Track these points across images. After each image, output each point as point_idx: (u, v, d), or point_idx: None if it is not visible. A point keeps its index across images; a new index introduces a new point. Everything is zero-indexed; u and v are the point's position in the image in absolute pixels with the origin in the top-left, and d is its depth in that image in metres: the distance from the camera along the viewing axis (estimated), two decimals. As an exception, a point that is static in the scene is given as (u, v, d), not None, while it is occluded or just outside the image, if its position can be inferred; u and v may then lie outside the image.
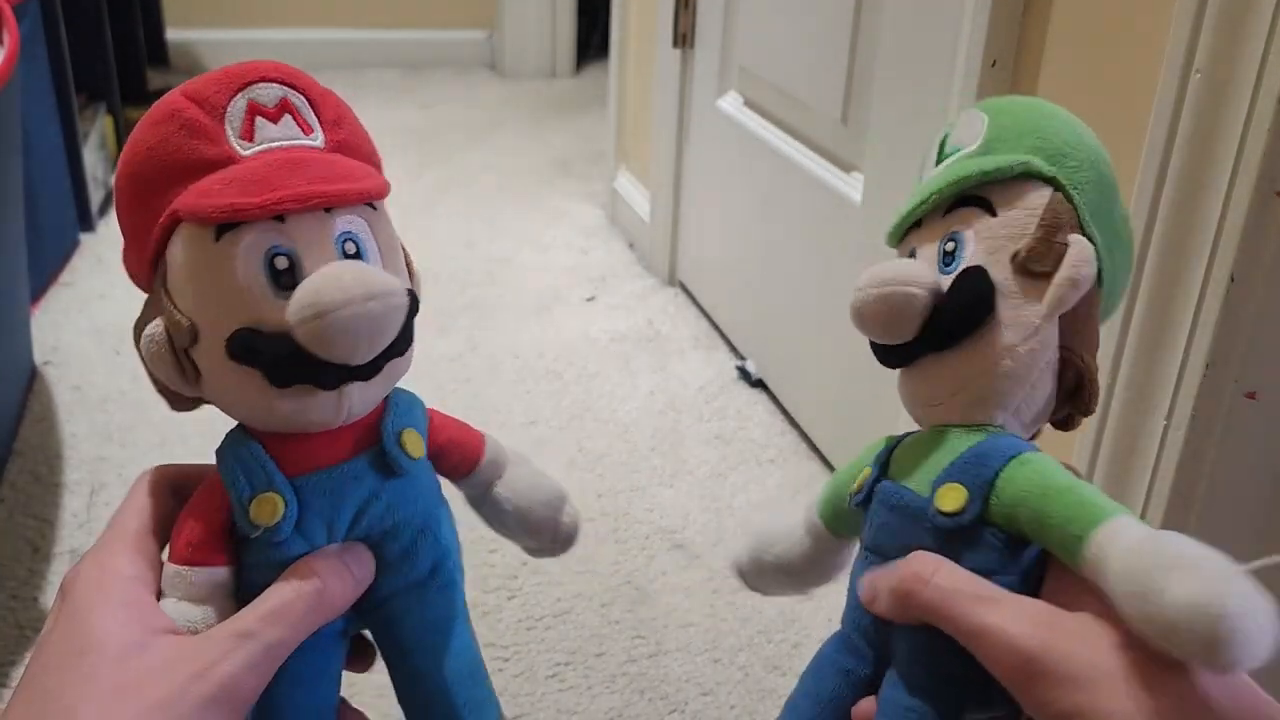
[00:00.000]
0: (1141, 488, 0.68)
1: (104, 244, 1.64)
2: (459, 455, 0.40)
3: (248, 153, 0.34)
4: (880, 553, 0.37)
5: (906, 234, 0.39)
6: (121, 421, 1.19)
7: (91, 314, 1.43)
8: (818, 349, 1.14)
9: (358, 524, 0.36)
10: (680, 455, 1.17)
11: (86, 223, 1.65)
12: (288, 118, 0.35)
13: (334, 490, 0.35)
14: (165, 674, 0.30)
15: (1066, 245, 0.35)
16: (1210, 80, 0.61)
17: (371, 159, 0.38)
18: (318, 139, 0.35)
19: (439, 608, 0.38)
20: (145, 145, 0.34)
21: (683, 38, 1.44)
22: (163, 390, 0.37)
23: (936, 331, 0.36)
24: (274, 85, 0.35)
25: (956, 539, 0.34)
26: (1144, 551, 0.29)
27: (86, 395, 1.24)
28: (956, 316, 0.35)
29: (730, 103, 1.35)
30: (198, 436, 1.16)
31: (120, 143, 1.90)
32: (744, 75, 1.31)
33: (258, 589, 0.34)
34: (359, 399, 0.35)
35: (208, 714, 0.30)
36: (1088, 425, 0.71)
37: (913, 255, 0.38)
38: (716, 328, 1.45)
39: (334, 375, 0.33)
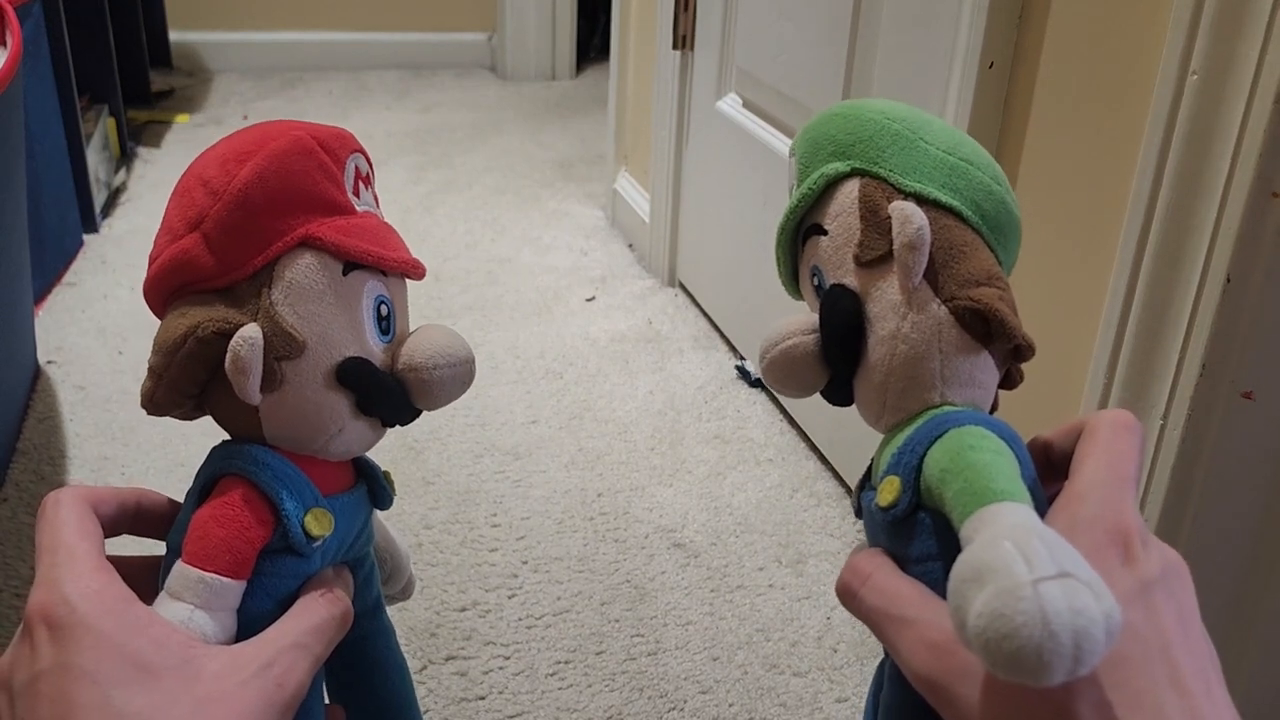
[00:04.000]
0: (1138, 488, 0.68)
1: (107, 244, 1.65)
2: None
3: (359, 209, 0.39)
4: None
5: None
6: (125, 421, 1.20)
7: (95, 314, 1.44)
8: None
9: (351, 548, 0.40)
10: (679, 455, 1.17)
11: (90, 223, 1.66)
12: (369, 191, 0.40)
13: (352, 513, 0.39)
14: (243, 684, 0.32)
15: (889, 218, 0.36)
16: (1206, 83, 0.61)
17: None
18: (381, 213, 0.41)
19: (384, 628, 0.43)
20: (284, 167, 0.37)
21: (682, 40, 1.44)
22: (168, 389, 0.37)
23: (833, 362, 0.37)
24: (361, 157, 0.40)
25: (899, 530, 0.34)
26: (963, 560, 0.26)
27: (90, 395, 1.24)
28: (837, 341, 0.37)
29: (730, 104, 1.35)
30: (200, 435, 1.17)
31: (123, 144, 1.90)
32: (743, 77, 1.31)
33: (267, 599, 0.36)
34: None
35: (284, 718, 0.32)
36: (1085, 425, 0.72)
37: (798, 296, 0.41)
38: (716, 328, 1.45)
39: (409, 415, 0.39)
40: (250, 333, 0.35)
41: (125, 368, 1.31)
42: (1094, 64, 0.72)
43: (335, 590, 0.37)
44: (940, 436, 0.33)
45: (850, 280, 0.37)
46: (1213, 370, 0.63)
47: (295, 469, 0.37)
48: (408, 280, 0.41)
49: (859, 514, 0.38)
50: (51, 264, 1.51)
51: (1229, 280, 0.61)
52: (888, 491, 0.34)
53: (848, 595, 0.35)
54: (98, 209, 1.68)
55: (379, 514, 0.43)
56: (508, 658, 0.88)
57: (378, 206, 0.41)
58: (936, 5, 0.88)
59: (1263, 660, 0.69)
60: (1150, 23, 0.67)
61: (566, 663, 0.88)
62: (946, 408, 0.36)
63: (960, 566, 0.26)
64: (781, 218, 0.39)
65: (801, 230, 0.39)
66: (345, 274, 0.37)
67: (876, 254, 0.36)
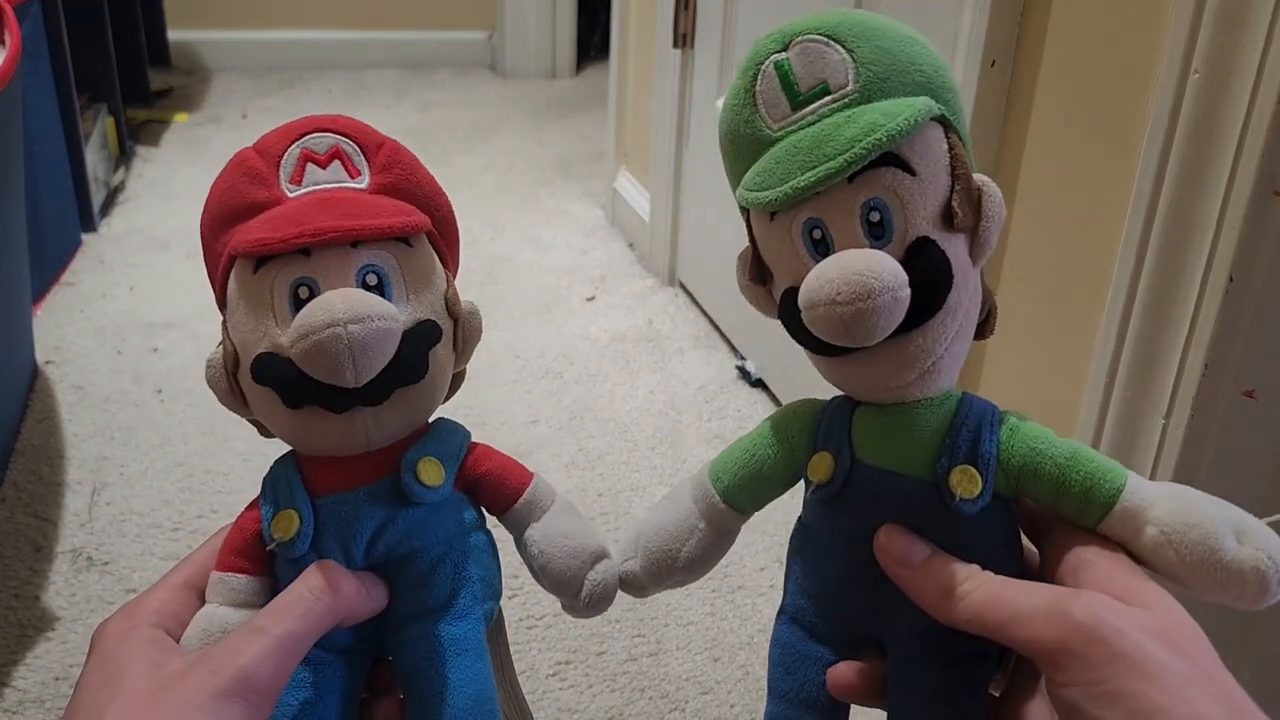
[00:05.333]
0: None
1: (105, 244, 1.64)
2: (496, 491, 0.40)
3: (293, 195, 0.37)
4: (862, 537, 0.35)
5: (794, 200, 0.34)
6: (123, 421, 1.19)
7: (93, 314, 1.43)
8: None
9: (374, 548, 0.37)
10: (680, 454, 1.17)
11: (88, 223, 1.66)
12: (336, 164, 0.38)
13: (348, 513, 0.37)
14: (185, 676, 0.31)
15: (980, 190, 0.35)
16: (1208, 81, 0.61)
17: (427, 201, 0.40)
18: (363, 181, 0.38)
19: (448, 637, 0.37)
20: (215, 192, 0.38)
21: (683, 38, 1.44)
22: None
23: (912, 321, 0.33)
24: (328, 135, 0.38)
25: (974, 520, 0.34)
26: (1188, 506, 0.32)
27: (88, 395, 1.24)
28: (927, 300, 0.33)
29: (730, 103, 1.35)
30: (199, 436, 1.16)
31: (122, 143, 1.90)
32: (744, 75, 1.31)
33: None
34: (374, 425, 0.37)
35: (225, 706, 0.31)
36: (1088, 423, 0.72)
37: (816, 229, 0.34)
38: (716, 327, 1.45)
39: (338, 398, 0.35)
40: (210, 356, 0.38)
41: (124, 368, 1.30)
42: (1096, 62, 0.72)
43: (323, 567, 0.36)
44: (1001, 425, 0.35)
45: (936, 235, 0.34)
46: (1215, 369, 0.63)
47: (291, 469, 0.37)
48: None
49: (837, 491, 0.36)
50: (50, 263, 1.51)
51: (1231, 279, 0.61)
52: (969, 482, 0.34)
53: (953, 597, 0.33)
54: (96, 208, 1.68)
55: (549, 521, 0.40)
56: (508, 658, 0.88)
57: (353, 178, 0.38)
58: (938, 2, 0.88)
59: (1263, 660, 0.68)
60: (1152, 21, 0.66)
61: (567, 663, 0.88)
62: (961, 393, 0.36)
63: (1190, 512, 0.32)
64: (862, 127, 0.33)
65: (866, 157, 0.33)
66: (255, 271, 0.36)
67: (968, 224, 0.34)
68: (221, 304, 0.38)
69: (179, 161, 2.02)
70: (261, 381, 0.36)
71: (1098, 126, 0.72)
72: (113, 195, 1.82)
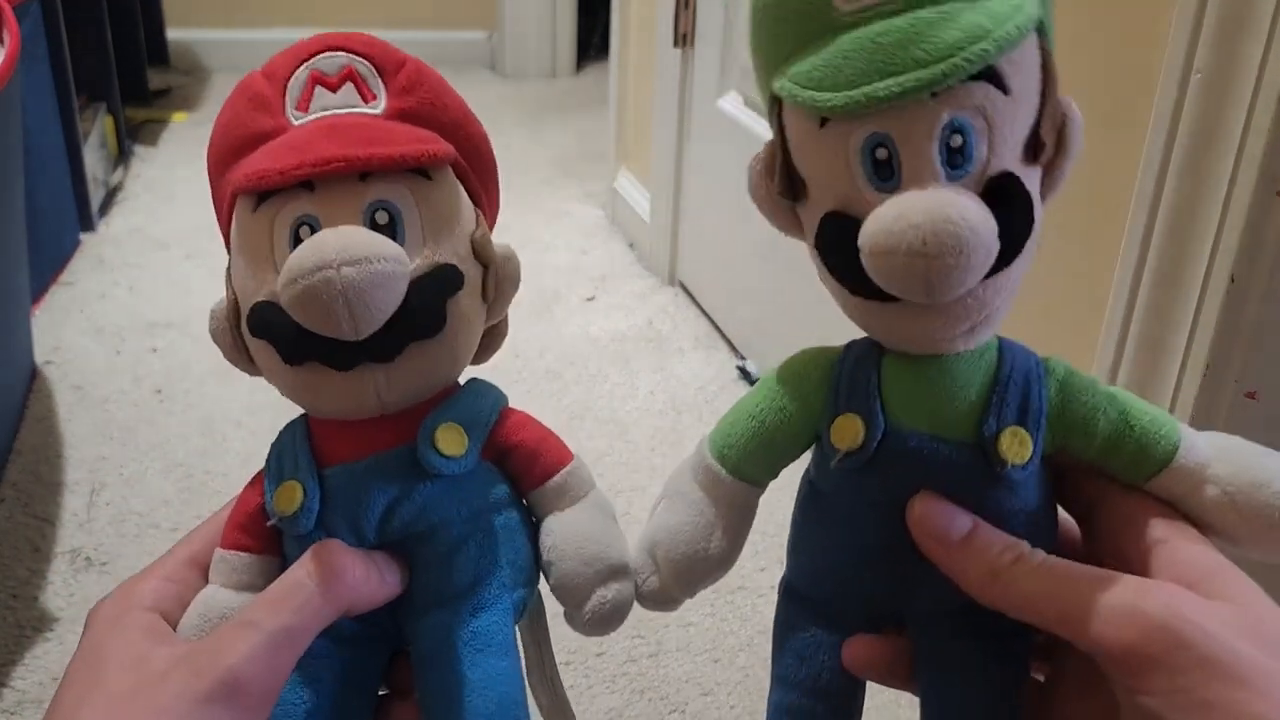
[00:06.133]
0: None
1: (104, 244, 1.64)
2: (526, 465, 0.35)
3: (299, 122, 0.33)
4: (892, 505, 0.31)
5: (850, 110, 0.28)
6: (122, 421, 1.19)
7: (92, 314, 1.43)
8: (815, 345, 1.14)
9: (388, 525, 0.33)
10: (680, 455, 1.16)
11: (87, 222, 1.65)
12: (349, 86, 0.33)
13: (358, 485, 0.32)
14: (166, 678, 0.28)
15: (1065, 117, 0.30)
16: (1210, 81, 0.61)
17: (454, 129, 0.34)
18: (379, 106, 0.33)
19: (469, 631, 0.33)
20: (219, 123, 0.34)
21: (683, 37, 1.43)
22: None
23: (999, 263, 0.29)
24: (340, 54, 0.33)
25: (1018, 486, 0.30)
26: (1249, 463, 0.30)
27: (87, 395, 1.24)
28: (1006, 250, 0.28)
29: (731, 103, 1.35)
30: (198, 436, 1.16)
31: (121, 143, 1.90)
32: (745, 75, 1.31)
33: None
34: (386, 385, 0.32)
35: (207, 713, 0.28)
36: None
37: (882, 148, 0.28)
38: (717, 328, 1.45)
39: (342, 354, 0.31)
40: (214, 307, 0.34)
41: (123, 367, 1.30)
42: (1097, 62, 0.72)
43: (325, 549, 0.31)
44: (1045, 377, 0.31)
45: (1017, 170, 0.29)
46: (1216, 370, 0.63)
47: (300, 436, 0.33)
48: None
49: (869, 459, 0.31)
50: (48, 263, 1.50)
51: (1233, 280, 0.61)
52: (1019, 446, 0.30)
53: (997, 579, 0.29)
54: (95, 208, 1.68)
55: (573, 515, 0.35)
56: (507, 659, 0.88)
57: (367, 102, 0.33)
58: (938, 3, 0.88)
59: None
60: (1154, 22, 0.66)
61: (567, 664, 0.88)
62: (998, 340, 0.32)
63: (1246, 457, 0.30)
64: (963, 34, 0.27)
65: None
66: (255, 209, 0.32)
67: (1049, 156, 0.30)
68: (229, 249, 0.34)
69: (178, 161, 2.02)
70: (258, 334, 0.32)
71: (1099, 126, 0.72)
72: (111, 195, 1.81)
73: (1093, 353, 0.72)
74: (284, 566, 0.33)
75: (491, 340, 0.37)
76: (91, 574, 0.96)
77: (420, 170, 0.32)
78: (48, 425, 1.18)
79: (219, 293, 0.34)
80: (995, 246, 0.27)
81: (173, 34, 2.60)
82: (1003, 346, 0.31)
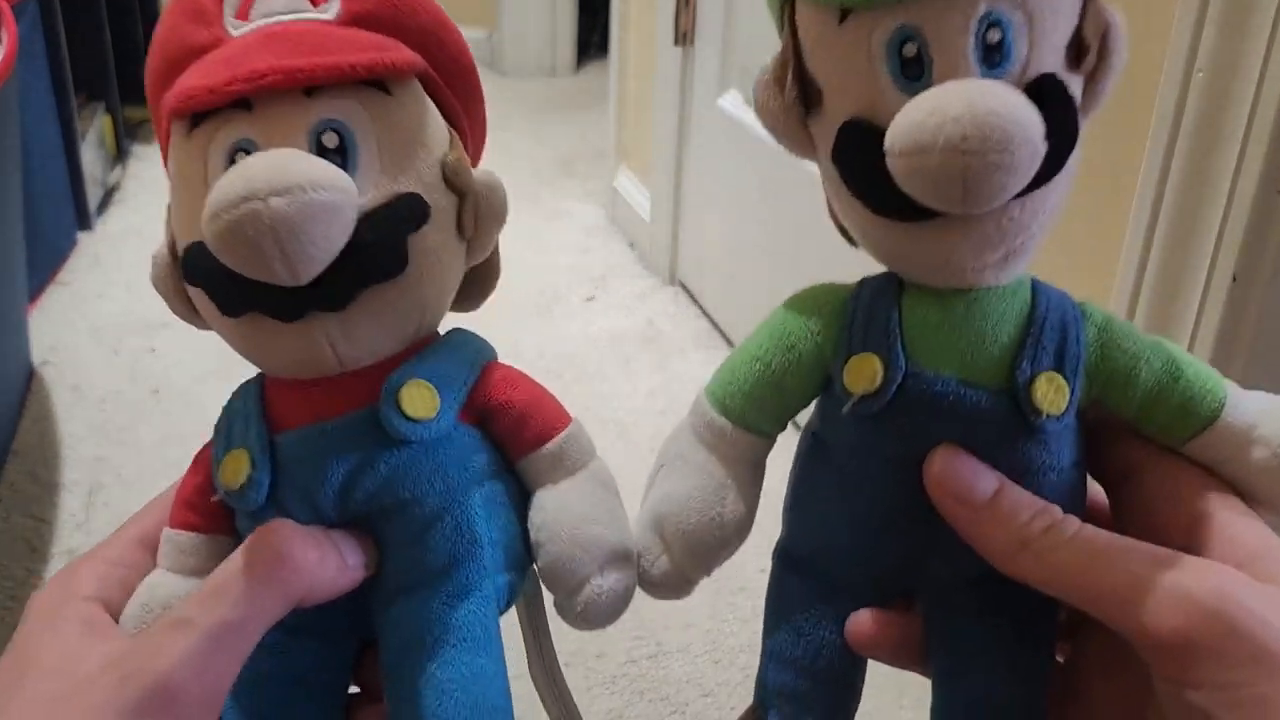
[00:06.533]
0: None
1: (102, 243, 1.64)
2: (513, 428, 0.30)
3: (237, 33, 0.28)
4: (910, 462, 0.28)
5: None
6: (120, 421, 1.19)
7: (89, 313, 1.43)
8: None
9: (348, 499, 0.28)
10: (680, 455, 1.16)
11: (85, 222, 1.65)
12: None
13: (313, 453, 0.28)
14: (96, 682, 0.25)
15: (1108, 23, 0.28)
16: (1213, 79, 0.61)
17: (423, 36, 0.30)
18: (330, 9, 0.29)
19: (443, 622, 0.28)
20: (155, 38, 0.30)
21: (684, 36, 1.43)
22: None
23: (1042, 175, 0.26)
24: None
25: (1050, 439, 0.27)
26: None
27: (84, 395, 1.24)
28: (1054, 154, 0.25)
29: (731, 101, 1.34)
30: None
31: (119, 142, 1.89)
32: (745, 74, 1.31)
33: None
34: (343, 337, 0.28)
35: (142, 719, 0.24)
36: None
37: (910, 43, 0.26)
38: (717, 327, 1.44)
39: (286, 303, 0.26)
40: (155, 251, 0.30)
41: (120, 367, 1.30)
42: (1099, 60, 0.71)
43: (271, 532, 0.27)
44: (1085, 321, 0.28)
45: (1060, 73, 0.26)
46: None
47: (252, 397, 0.29)
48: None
49: (886, 405, 0.27)
50: (45, 263, 1.50)
51: (1235, 279, 0.61)
52: (1055, 394, 0.27)
53: (1019, 547, 0.26)
54: (93, 207, 1.68)
55: (568, 488, 0.30)
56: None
57: (315, 5, 0.29)
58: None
59: None
60: (1156, 19, 0.66)
61: (567, 665, 0.87)
62: (1032, 278, 0.29)
63: None
64: None
65: None
66: (189, 134, 0.28)
67: (1091, 65, 0.27)
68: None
69: (177, 160, 2.01)
70: (191, 281, 0.28)
71: (1101, 125, 0.72)
72: (109, 194, 1.81)
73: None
74: (234, 547, 0.29)
75: (479, 283, 0.32)
76: (89, 575, 0.96)
77: (378, 83, 0.28)
78: (45, 425, 1.17)
79: None
80: (1043, 147, 0.24)
81: (171, 33, 2.60)
82: (1036, 285, 0.28)
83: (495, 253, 0.32)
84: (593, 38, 2.88)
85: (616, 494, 0.31)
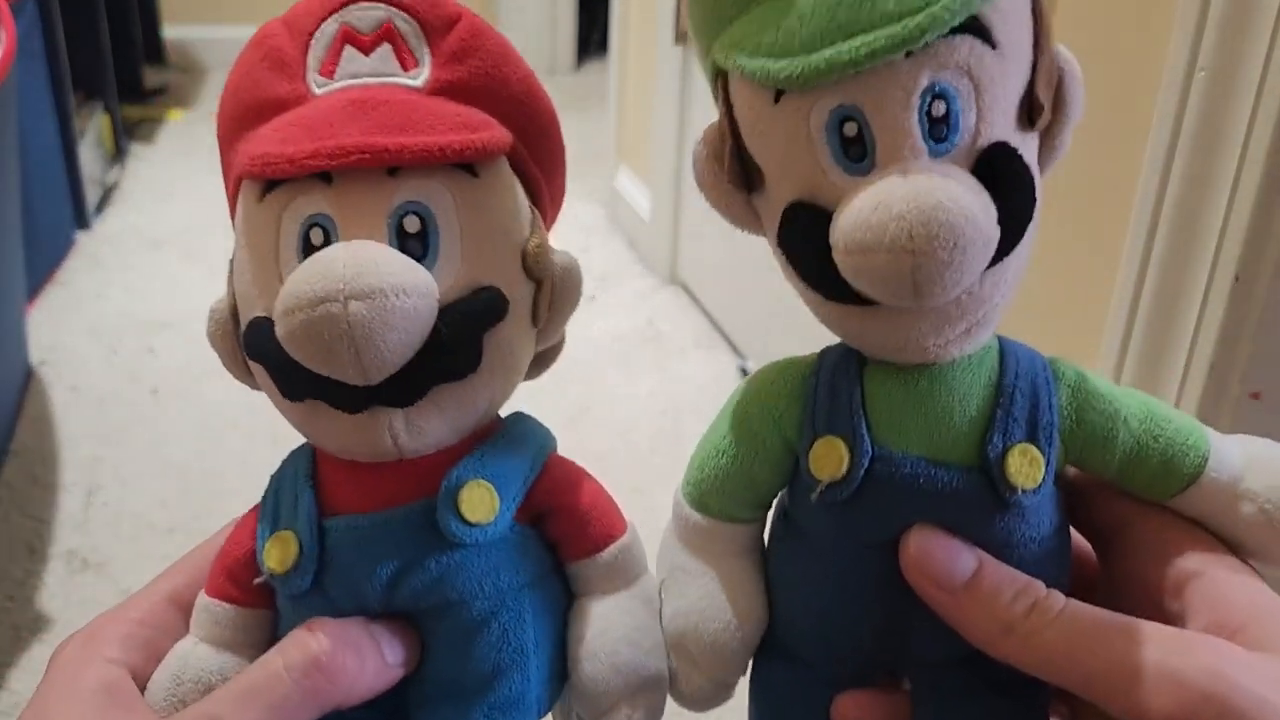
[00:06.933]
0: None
1: (100, 243, 1.63)
2: (570, 531, 0.29)
3: (321, 91, 0.27)
4: (884, 542, 0.27)
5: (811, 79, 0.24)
6: (118, 422, 1.19)
7: (87, 313, 1.43)
8: (819, 349, 1.13)
9: (395, 593, 0.27)
10: (681, 455, 1.15)
11: (82, 221, 1.65)
12: (385, 48, 0.27)
13: (362, 546, 0.27)
14: None
15: (1062, 71, 0.26)
16: (1214, 79, 0.60)
17: (515, 107, 0.28)
18: (419, 77, 0.27)
19: None
20: (231, 81, 0.29)
21: (684, 35, 1.43)
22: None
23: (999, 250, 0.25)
24: (379, 6, 0.27)
25: (1029, 511, 0.26)
26: (1274, 458, 0.26)
27: (83, 395, 1.23)
28: (1007, 236, 0.24)
29: (730, 101, 1.34)
30: (195, 437, 1.16)
31: (117, 141, 1.89)
32: (744, 73, 1.31)
33: None
34: (407, 430, 0.27)
35: None
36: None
37: (850, 121, 0.24)
38: (718, 327, 1.44)
39: (347, 396, 0.25)
40: (214, 304, 0.28)
41: (119, 367, 1.30)
42: (1100, 60, 0.71)
43: (313, 632, 0.26)
44: (1056, 383, 0.26)
45: (1012, 139, 0.24)
46: (1221, 370, 0.62)
47: (303, 473, 0.28)
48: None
49: (854, 490, 0.26)
50: (43, 262, 1.50)
51: (1237, 279, 0.60)
52: (1030, 467, 0.25)
53: (1003, 632, 0.25)
54: (91, 207, 1.67)
55: (610, 606, 0.29)
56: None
57: (406, 71, 0.27)
58: None
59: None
60: (1157, 18, 0.66)
61: (566, 666, 0.87)
62: (998, 341, 0.28)
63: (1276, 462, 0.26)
64: None
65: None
66: (261, 198, 0.26)
67: (1045, 122, 0.25)
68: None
69: (174, 159, 2.01)
70: (253, 356, 0.27)
71: (1102, 124, 0.72)
72: (107, 193, 1.81)
73: (1096, 353, 0.72)
74: (275, 622, 0.28)
75: (545, 358, 0.32)
76: (88, 575, 0.95)
77: (465, 165, 0.26)
78: (43, 426, 1.17)
79: (217, 292, 0.29)
80: (995, 235, 0.23)
81: (169, 31, 2.59)
82: (1004, 349, 0.27)
83: (561, 334, 0.31)
84: (592, 35, 2.87)
85: (657, 614, 0.30)
